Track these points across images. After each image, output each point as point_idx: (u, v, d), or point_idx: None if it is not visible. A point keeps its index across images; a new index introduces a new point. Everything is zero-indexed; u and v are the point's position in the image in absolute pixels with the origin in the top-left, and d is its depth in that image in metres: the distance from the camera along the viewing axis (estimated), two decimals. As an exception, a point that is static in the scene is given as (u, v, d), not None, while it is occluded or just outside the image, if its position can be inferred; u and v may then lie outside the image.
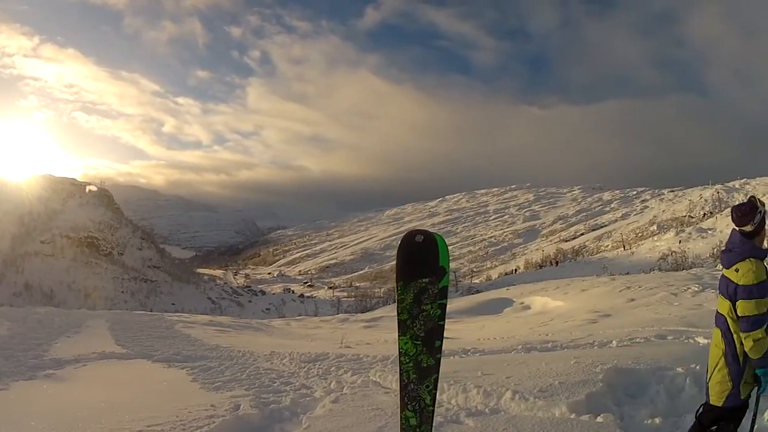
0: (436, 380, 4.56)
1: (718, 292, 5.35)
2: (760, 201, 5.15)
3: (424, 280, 4.38)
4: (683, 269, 50.41)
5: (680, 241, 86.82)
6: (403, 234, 4.60)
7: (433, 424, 4.69)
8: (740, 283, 4.88)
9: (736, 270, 4.95)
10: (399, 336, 4.51)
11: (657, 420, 7.02)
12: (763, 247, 5.08)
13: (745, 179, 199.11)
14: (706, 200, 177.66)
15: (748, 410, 5.35)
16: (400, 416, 4.59)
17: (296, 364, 12.30)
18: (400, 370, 4.54)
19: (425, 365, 4.45)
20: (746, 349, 4.87)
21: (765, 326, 4.79)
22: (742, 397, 5.09)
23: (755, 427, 5.48)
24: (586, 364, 8.98)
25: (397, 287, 4.48)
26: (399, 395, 4.62)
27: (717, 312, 5.30)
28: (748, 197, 5.38)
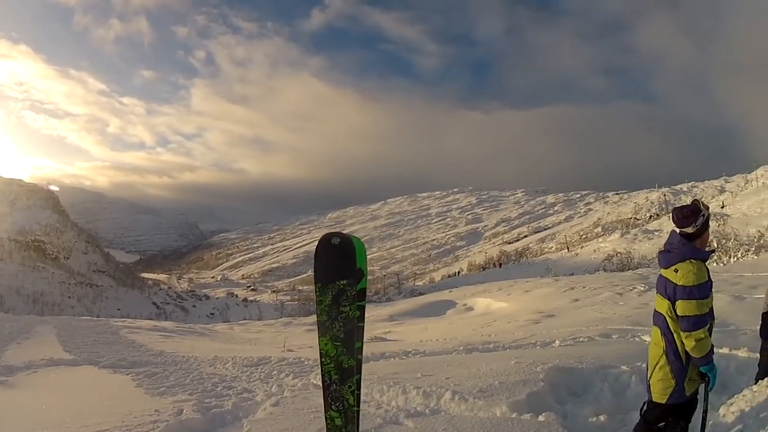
0: (359, 381, 4.45)
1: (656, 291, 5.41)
2: (703, 204, 5.23)
3: (341, 282, 4.28)
4: (629, 269, 51.41)
5: (626, 243, 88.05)
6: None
7: (359, 424, 4.50)
8: (680, 283, 4.96)
9: (676, 270, 5.03)
10: (319, 337, 4.41)
11: (602, 418, 7.08)
12: (706, 249, 5.20)
13: (693, 182, 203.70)
14: (652, 203, 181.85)
15: (698, 406, 5.37)
16: (325, 416, 4.46)
17: (239, 368, 12.55)
18: (322, 371, 4.45)
19: (346, 366, 4.37)
20: (688, 349, 4.95)
21: (707, 326, 4.90)
22: (687, 394, 5.14)
23: (708, 422, 5.49)
24: (527, 364, 9.02)
25: (315, 289, 4.41)
26: (323, 396, 4.52)
27: (655, 311, 5.35)
28: (692, 200, 5.39)
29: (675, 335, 5.05)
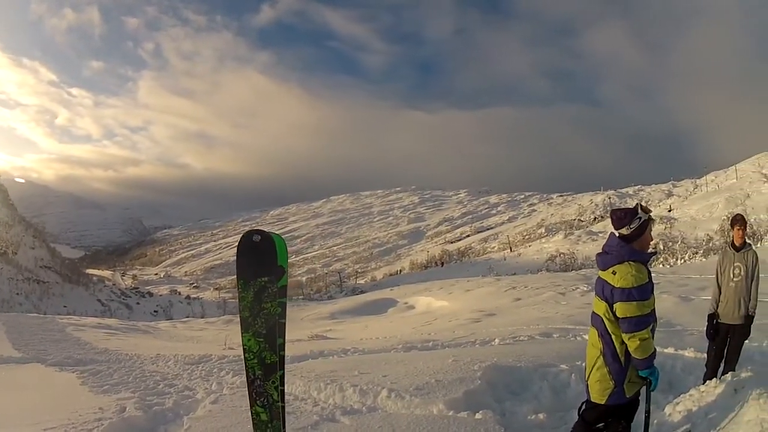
0: (282, 377, 4.76)
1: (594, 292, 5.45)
2: (644, 208, 5.24)
3: (263, 279, 4.57)
4: (572, 270, 52.05)
5: (569, 244, 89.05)
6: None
7: (284, 421, 4.87)
8: (618, 285, 4.97)
9: (614, 272, 5.04)
10: (242, 333, 4.68)
11: (541, 416, 7.12)
12: (648, 251, 5.25)
13: (639, 186, 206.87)
14: (597, 205, 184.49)
15: (640, 407, 5.40)
16: (251, 411, 4.77)
17: (180, 366, 12.73)
18: (246, 366, 4.75)
19: (269, 362, 4.69)
20: (631, 350, 4.95)
21: (649, 327, 4.92)
22: (628, 396, 5.13)
23: (653, 422, 5.62)
24: (464, 362, 9.07)
25: (238, 286, 4.67)
26: (248, 391, 4.83)
27: (593, 312, 5.36)
28: (635, 204, 5.47)
29: (613, 337, 5.06)
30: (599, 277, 5.27)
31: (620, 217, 5.18)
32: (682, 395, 7.20)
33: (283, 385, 4.77)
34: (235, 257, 4.73)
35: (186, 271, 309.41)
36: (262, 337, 4.60)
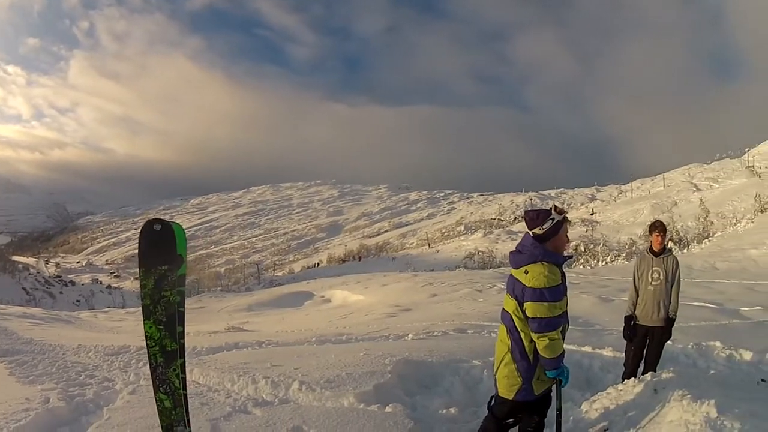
0: (183, 365, 4.80)
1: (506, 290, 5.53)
2: (558, 209, 5.30)
3: (163, 268, 4.65)
4: (490, 268, 52.68)
5: (488, 242, 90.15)
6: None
7: (188, 408, 4.88)
8: (529, 285, 5.04)
9: (526, 272, 5.11)
10: (144, 320, 4.76)
11: (452, 410, 7.20)
12: (564, 254, 5.33)
13: (562, 189, 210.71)
14: (517, 205, 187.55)
15: (554, 403, 5.52)
16: (155, 398, 4.81)
17: (101, 357, 12.68)
18: (148, 353, 4.78)
19: (170, 349, 4.71)
20: (539, 349, 5.04)
21: (559, 328, 5.03)
22: (536, 393, 5.23)
23: (569, 418, 5.85)
24: (375, 356, 9.16)
25: (139, 273, 4.73)
26: (151, 378, 4.86)
27: (503, 309, 5.45)
28: (551, 205, 5.51)
29: (522, 334, 5.14)
30: (511, 275, 5.36)
31: (533, 217, 5.25)
32: (599, 393, 7.35)
33: (185, 373, 4.80)
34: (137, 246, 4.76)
35: (107, 260, 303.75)
36: (163, 324, 4.66)
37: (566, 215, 5.26)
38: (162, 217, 4.76)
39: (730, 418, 5.80)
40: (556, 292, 4.96)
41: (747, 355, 10.40)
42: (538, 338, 4.98)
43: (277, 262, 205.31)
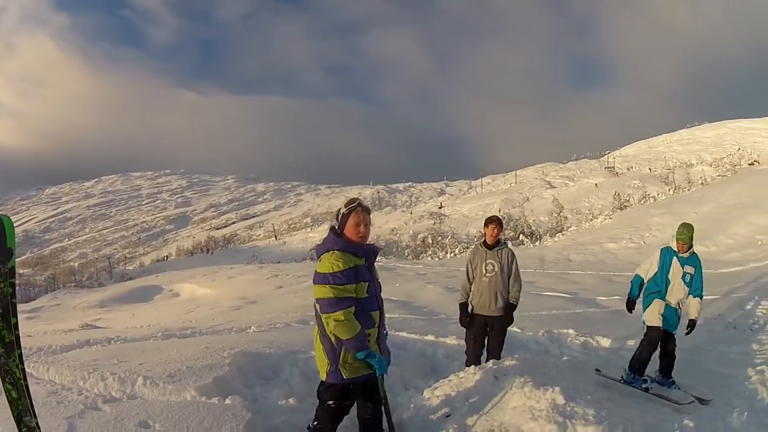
0: (21, 356, 4.65)
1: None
2: (348, 202, 5.60)
3: None
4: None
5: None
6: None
7: (31, 398, 4.70)
8: (318, 271, 5.32)
9: (321, 260, 5.41)
10: None
11: (291, 400, 7.33)
12: (356, 242, 5.49)
13: (411, 183, 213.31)
14: (365, 198, 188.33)
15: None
16: (4, 389, 4.64)
17: None
18: None
19: (8, 340, 4.55)
20: (328, 331, 5.28)
21: (347, 309, 5.18)
22: (345, 377, 5.40)
23: (407, 405, 6.20)
24: (215, 349, 9.17)
25: None
26: None
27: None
28: (347, 198, 5.87)
29: (322, 317, 5.34)
30: None
31: (336, 214, 5.59)
32: (441, 380, 7.54)
33: (23, 364, 4.65)
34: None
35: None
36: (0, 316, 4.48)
37: (355, 207, 5.49)
38: (18, 209, 4.64)
39: (582, 404, 6.09)
40: (341, 277, 5.18)
41: (605, 342, 11.04)
42: (325, 319, 5.21)
43: (127, 256, 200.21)
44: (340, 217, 5.49)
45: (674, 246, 8.47)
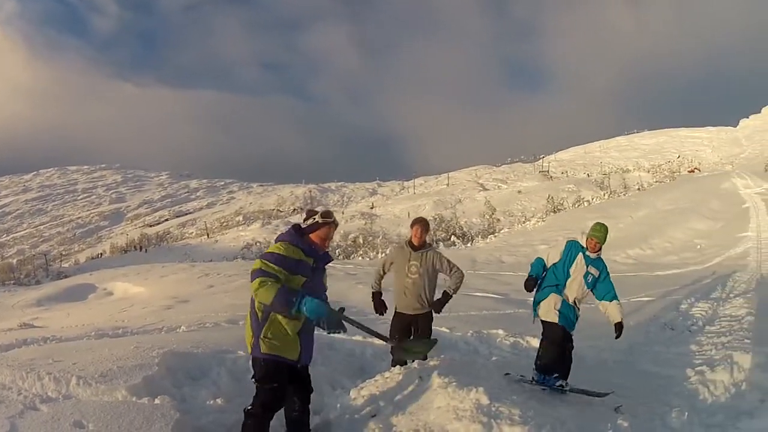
0: None
1: None
2: (324, 214, 5.97)
3: None
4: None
5: (267, 233, 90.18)
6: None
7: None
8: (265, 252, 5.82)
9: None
10: None
11: (219, 400, 7.41)
12: (319, 247, 5.97)
13: (343, 182, 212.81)
14: (297, 197, 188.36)
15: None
16: None
17: None
18: None
19: None
20: (256, 299, 5.58)
21: (266, 279, 5.39)
22: (263, 351, 5.66)
23: (333, 405, 6.50)
24: (145, 349, 9.11)
25: None
26: None
27: None
28: (324, 210, 6.09)
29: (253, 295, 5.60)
30: None
31: (308, 215, 5.97)
32: (368, 380, 7.67)
33: None
34: None
35: None
36: None
37: (331, 222, 5.90)
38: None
39: (507, 404, 6.18)
40: (277, 258, 5.53)
41: (535, 342, 10.81)
42: (251, 288, 5.48)
43: (63, 252, 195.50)
44: (312, 222, 5.88)
45: (583, 242, 8.40)
